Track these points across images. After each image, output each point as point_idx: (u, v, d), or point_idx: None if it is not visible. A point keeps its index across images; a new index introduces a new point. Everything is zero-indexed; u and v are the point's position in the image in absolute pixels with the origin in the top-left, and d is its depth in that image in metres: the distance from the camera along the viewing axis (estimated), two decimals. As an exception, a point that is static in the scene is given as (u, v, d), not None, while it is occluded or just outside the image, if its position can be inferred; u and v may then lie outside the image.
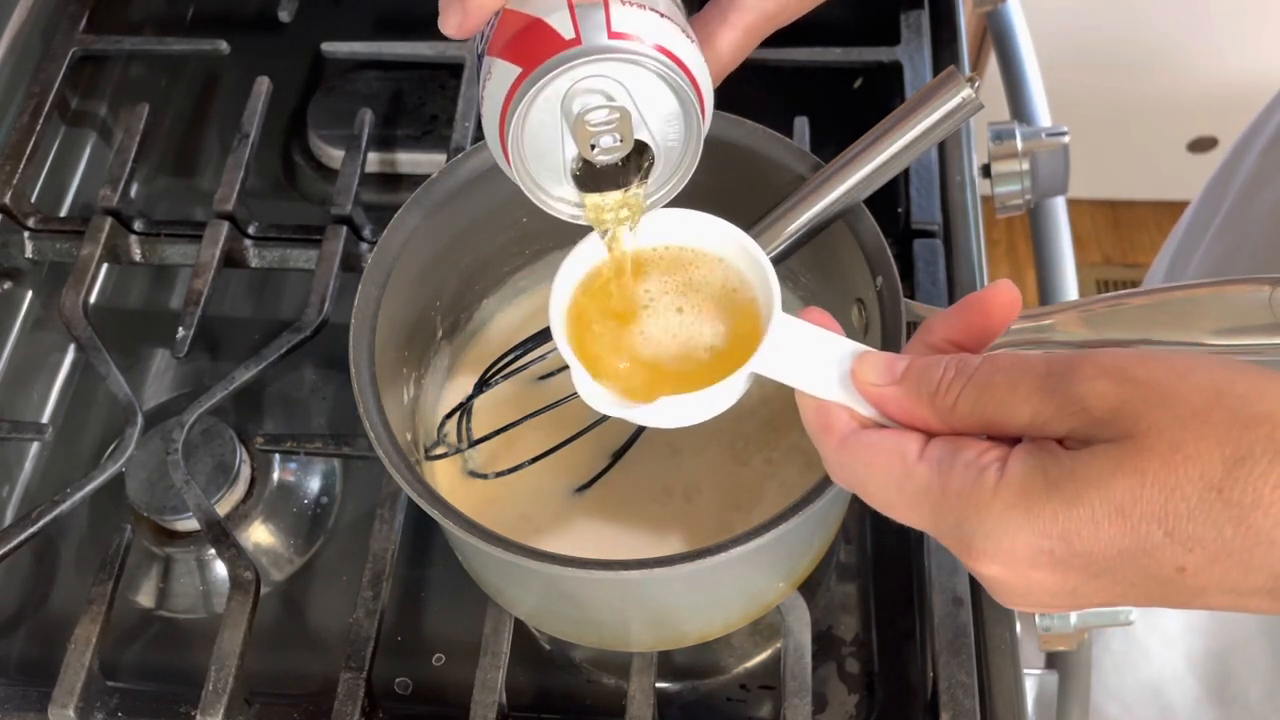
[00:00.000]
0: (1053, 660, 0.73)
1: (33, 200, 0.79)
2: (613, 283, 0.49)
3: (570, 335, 0.47)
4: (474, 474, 0.60)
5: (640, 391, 0.46)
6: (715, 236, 0.49)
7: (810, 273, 0.62)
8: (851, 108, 0.85)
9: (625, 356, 0.48)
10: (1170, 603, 0.36)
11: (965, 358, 0.40)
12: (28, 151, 0.78)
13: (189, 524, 0.66)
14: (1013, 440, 0.38)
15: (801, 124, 0.75)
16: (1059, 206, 0.86)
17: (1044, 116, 0.87)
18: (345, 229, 0.73)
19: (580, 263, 0.48)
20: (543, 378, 0.62)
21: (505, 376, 0.58)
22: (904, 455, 0.39)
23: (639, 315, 0.49)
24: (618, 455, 0.59)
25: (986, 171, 0.75)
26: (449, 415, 0.60)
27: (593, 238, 0.48)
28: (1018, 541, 0.36)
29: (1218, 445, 0.34)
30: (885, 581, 0.66)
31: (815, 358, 0.43)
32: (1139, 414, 0.35)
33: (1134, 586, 0.36)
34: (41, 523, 0.63)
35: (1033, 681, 0.65)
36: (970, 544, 0.37)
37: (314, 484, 0.71)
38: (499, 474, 0.59)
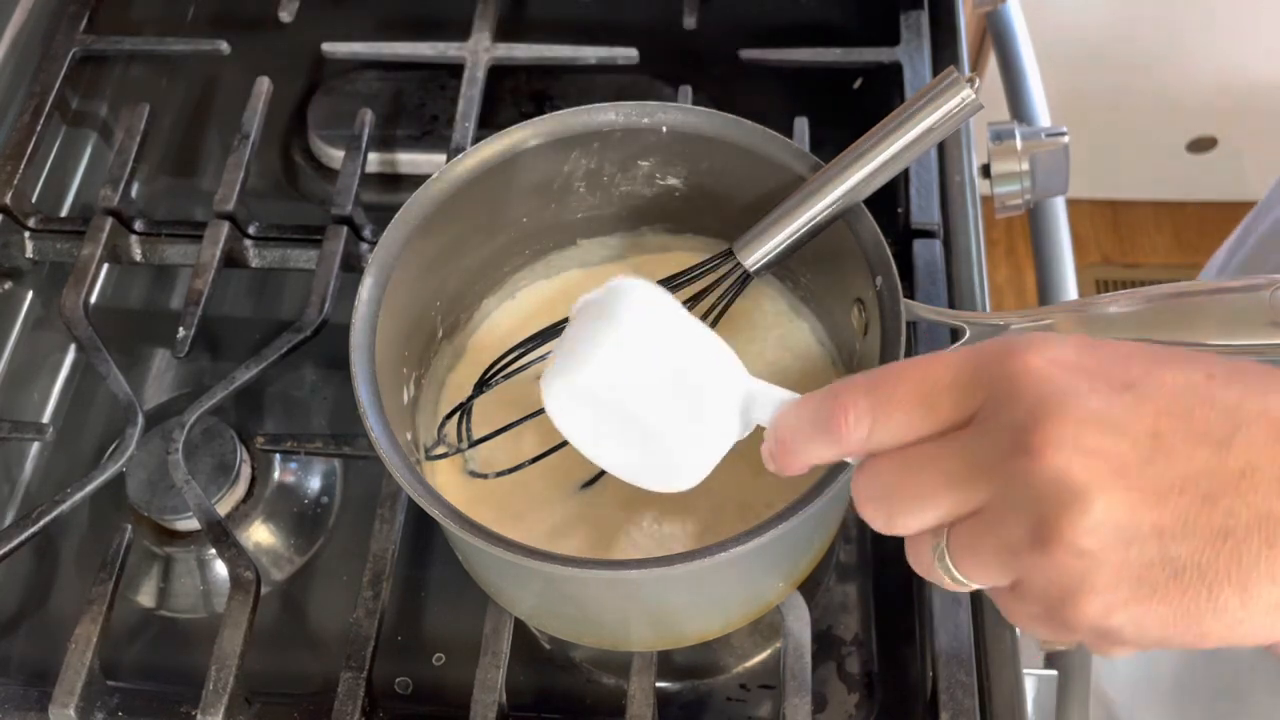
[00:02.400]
0: (1053, 660, 0.73)
1: (33, 200, 0.79)
2: None
3: None
4: (474, 474, 0.60)
5: None
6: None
7: (810, 273, 0.62)
8: (851, 108, 0.85)
9: None
10: (1214, 475, 0.35)
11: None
12: (28, 152, 0.78)
13: (189, 524, 0.66)
14: None
15: (801, 124, 0.75)
16: (1059, 206, 0.86)
17: (1044, 116, 0.87)
18: (345, 229, 0.73)
19: None
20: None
21: (505, 376, 0.58)
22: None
23: None
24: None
25: (986, 171, 0.75)
26: (449, 415, 0.60)
27: None
28: (1065, 347, 0.37)
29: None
30: (885, 581, 0.66)
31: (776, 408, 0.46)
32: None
33: (1178, 429, 0.36)
34: (42, 522, 0.63)
35: (1033, 681, 0.65)
36: (1024, 347, 0.38)
37: (314, 484, 0.71)
38: (499, 474, 0.59)
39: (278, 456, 0.70)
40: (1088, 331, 0.49)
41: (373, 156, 0.81)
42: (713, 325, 0.56)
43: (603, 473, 0.59)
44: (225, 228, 0.73)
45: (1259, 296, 0.46)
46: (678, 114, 0.58)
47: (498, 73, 0.83)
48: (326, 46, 0.84)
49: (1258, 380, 0.36)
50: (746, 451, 0.57)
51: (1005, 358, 0.38)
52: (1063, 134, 0.75)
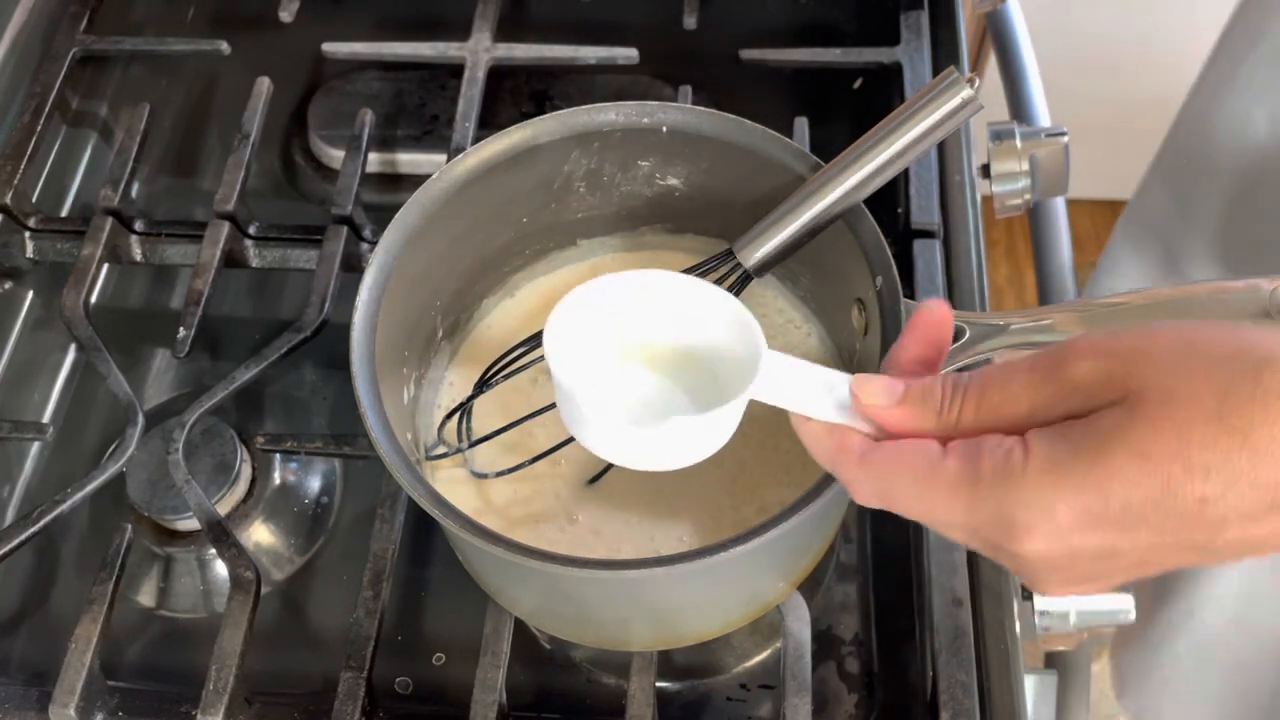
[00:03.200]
0: (1052, 660, 0.72)
1: (34, 200, 0.79)
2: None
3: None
4: (474, 474, 0.60)
5: None
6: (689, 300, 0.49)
7: (810, 273, 0.62)
8: (851, 108, 0.85)
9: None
10: (1198, 548, 0.38)
11: (956, 375, 0.42)
12: (29, 152, 0.78)
13: (189, 523, 0.66)
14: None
15: (801, 124, 0.75)
16: (1059, 206, 0.86)
17: (1044, 116, 0.87)
18: (346, 229, 0.73)
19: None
20: (543, 377, 0.62)
21: (505, 376, 0.58)
22: (928, 455, 0.41)
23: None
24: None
25: (986, 171, 0.75)
26: (449, 415, 0.60)
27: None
28: (1058, 506, 0.38)
29: (1205, 383, 0.37)
30: (885, 581, 0.66)
31: (808, 385, 0.45)
32: (1129, 375, 0.38)
33: (1165, 533, 0.38)
34: (42, 522, 0.63)
35: (1033, 681, 0.65)
36: (1013, 521, 0.39)
37: (314, 484, 0.71)
38: (499, 473, 0.59)
39: (278, 456, 0.70)
40: (1088, 331, 0.49)
41: (373, 156, 0.81)
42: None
43: (607, 469, 0.59)
44: (225, 228, 0.73)
45: (1259, 296, 0.46)
46: (678, 114, 0.58)
47: (498, 73, 0.83)
48: (327, 46, 0.84)
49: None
50: (748, 451, 0.57)
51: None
52: (1063, 134, 0.75)
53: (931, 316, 0.45)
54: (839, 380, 0.44)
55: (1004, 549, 0.40)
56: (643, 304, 0.49)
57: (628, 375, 0.50)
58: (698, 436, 0.46)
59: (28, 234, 0.77)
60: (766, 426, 0.59)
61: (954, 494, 0.40)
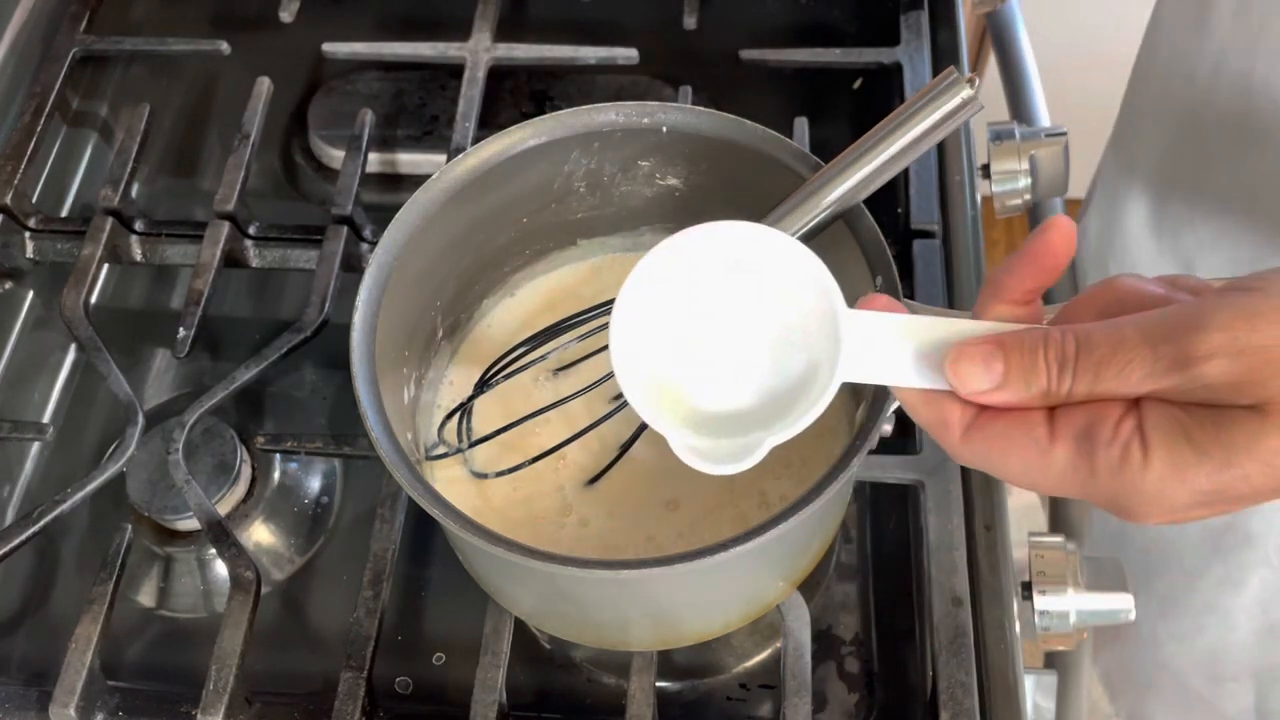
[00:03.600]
0: (1052, 660, 0.73)
1: (34, 200, 0.79)
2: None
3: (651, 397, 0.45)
4: (474, 474, 0.60)
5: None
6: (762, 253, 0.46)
7: (810, 273, 0.62)
8: (851, 108, 0.85)
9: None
10: None
11: (1062, 346, 0.40)
12: (29, 152, 0.78)
13: (189, 523, 0.66)
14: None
15: (801, 124, 0.75)
16: (1058, 207, 0.86)
17: (1044, 116, 0.88)
18: (346, 229, 0.73)
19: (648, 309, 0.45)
20: (543, 377, 0.62)
21: (505, 377, 0.58)
22: (1037, 441, 0.40)
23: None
24: (625, 448, 0.59)
25: (986, 171, 0.75)
26: (449, 415, 0.60)
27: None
28: (1177, 501, 0.38)
29: None
30: (885, 581, 0.66)
31: (900, 349, 0.42)
32: (1264, 381, 0.37)
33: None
34: (42, 522, 0.63)
35: (1032, 681, 0.65)
36: (1129, 509, 0.39)
37: (314, 484, 0.71)
38: (500, 473, 0.59)
39: (278, 456, 0.70)
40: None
41: (373, 156, 0.81)
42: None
43: (610, 465, 0.59)
44: (225, 228, 0.73)
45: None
46: (678, 114, 0.58)
47: (498, 73, 0.83)
48: (327, 46, 0.84)
49: None
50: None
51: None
52: (1063, 134, 0.75)
53: (1051, 242, 0.42)
54: (928, 335, 0.41)
55: (1118, 516, 0.40)
56: (706, 267, 0.46)
57: (696, 356, 0.46)
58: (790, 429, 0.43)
59: (28, 234, 0.77)
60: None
61: (1064, 481, 0.39)
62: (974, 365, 0.41)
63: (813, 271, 0.44)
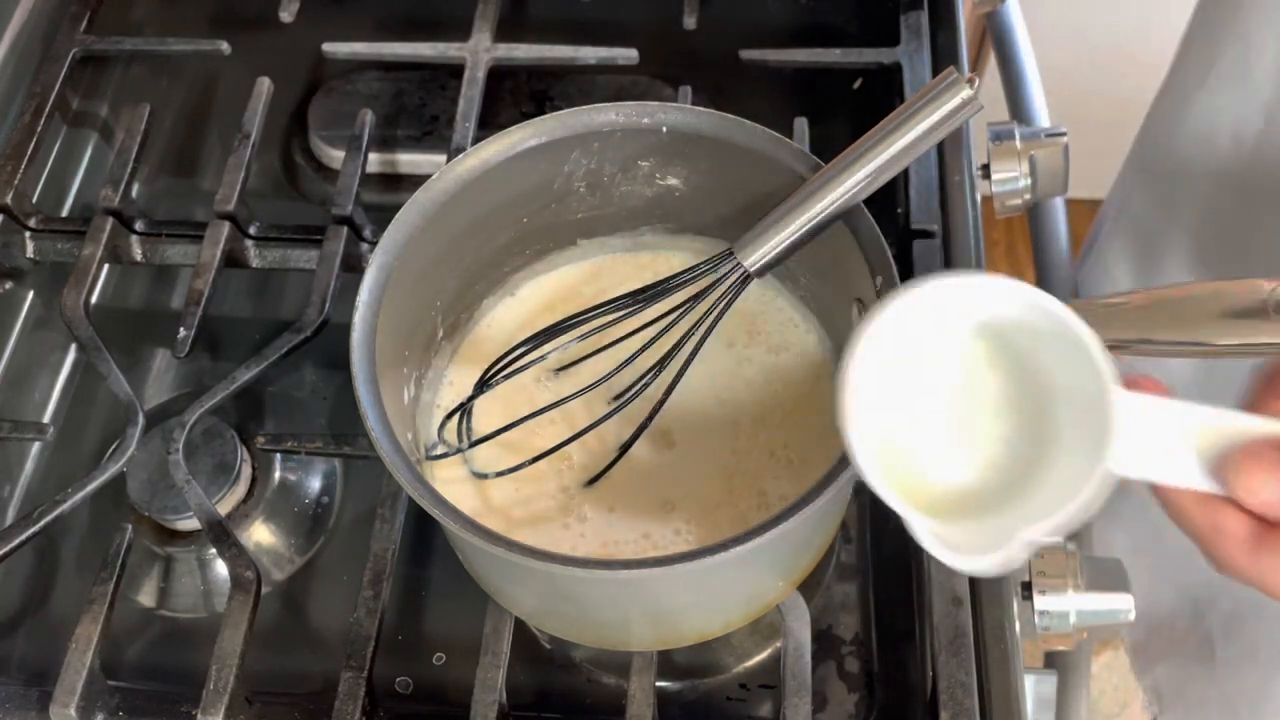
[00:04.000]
0: (1052, 660, 0.72)
1: (34, 200, 0.79)
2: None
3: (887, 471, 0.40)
4: (474, 474, 0.60)
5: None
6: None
7: (810, 273, 0.62)
8: (851, 108, 0.85)
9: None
10: None
11: None
12: (29, 152, 0.78)
13: (190, 523, 0.66)
14: None
15: (801, 125, 0.75)
16: (1058, 206, 0.86)
17: (1044, 116, 0.87)
18: (346, 229, 0.73)
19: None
20: (543, 377, 0.62)
21: (505, 377, 0.58)
22: None
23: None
24: (625, 448, 0.59)
25: (986, 172, 0.75)
26: (449, 415, 0.60)
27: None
28: None
29: None
30: (885, 581, 0.66)
31: (1177, 443, 0.38)
32: None
33: None
34: (43, 522, 0.63)
35: (1032, 681, 0.65)
36: None
37: (314, 484, 0.71)
38: (500, 473, 0.59)
39: (278, 456, 0.70)
40: None
41: (373, 157, 0.81)
42: (712, 326, 0.56)
43: (610, 465, 0.59)
44: (226, 228, 0.73)
45: (1259, 294, 0.46)
46: (678, 114, 0.58)
47: (498, 73, 0.83)
48: (327, 46, 0.84)
49: None
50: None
51: None
52: (1063, 134, 0.75)
53: None
54: (1206, 430, 0.37)
55: None
56: (953, 325, 0.41)
57: (927, 425, 0.41)
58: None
59: (28, 234, 0.77)
60: (761, 417, 0.59)
61: None
62: (1265, 475, 0.37)
63: (1083, 343, 0.39)
